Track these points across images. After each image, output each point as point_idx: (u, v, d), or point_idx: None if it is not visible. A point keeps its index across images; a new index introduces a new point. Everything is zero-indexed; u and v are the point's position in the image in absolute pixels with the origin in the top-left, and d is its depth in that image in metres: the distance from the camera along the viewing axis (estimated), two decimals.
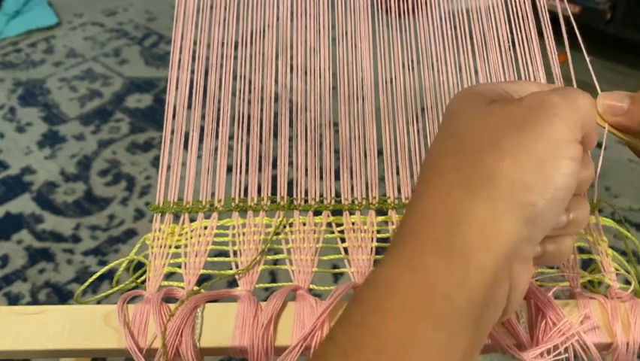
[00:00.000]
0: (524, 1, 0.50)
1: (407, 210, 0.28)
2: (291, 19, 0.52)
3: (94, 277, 0.43)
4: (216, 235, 0.44)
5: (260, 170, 0.47)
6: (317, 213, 0.45)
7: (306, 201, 0.46)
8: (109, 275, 0.43)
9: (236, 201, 0.46)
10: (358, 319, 0.24)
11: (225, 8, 0.52)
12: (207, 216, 0.45)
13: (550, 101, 0.28)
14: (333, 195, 0.46)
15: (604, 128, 0.38)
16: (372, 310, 0.23)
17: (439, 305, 0.24)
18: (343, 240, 0.44)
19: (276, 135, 0.48)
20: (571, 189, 0.28)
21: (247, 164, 0.47)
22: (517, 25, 0.50)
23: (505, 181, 0.26)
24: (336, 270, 0.45)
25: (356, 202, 0.45)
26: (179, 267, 0.42)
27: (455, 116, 0.30)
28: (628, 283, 0.40)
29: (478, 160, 0.27)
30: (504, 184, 0.26)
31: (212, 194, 0.46)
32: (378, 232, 0.44)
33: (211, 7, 0.52)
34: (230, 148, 0.47)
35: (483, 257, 0.25)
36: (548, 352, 0.36)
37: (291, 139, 0.48)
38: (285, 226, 0.44)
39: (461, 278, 0.24)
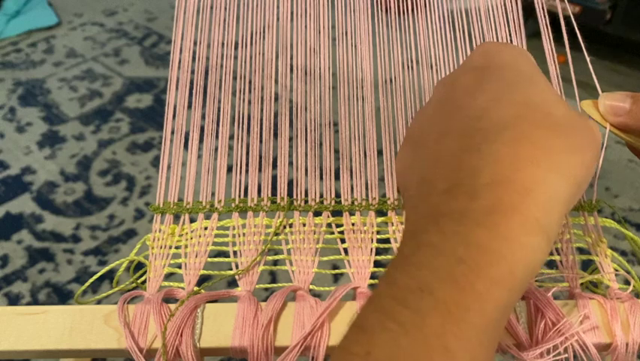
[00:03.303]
0: (516, 2, 0.50)
1: (492, 164, 0.27)
2: (291, 20, 0.52)
3: (94, 277, 0.43)
4: (216, 236, 0.44)
5: (260, 170, 0.47)
6: (317, 213, 0.45)
7: (306, 201, 0.46)
8: (109, 275, 0.43)
9: (237, 201, 0.46)
10: (464, 281, 0.24)
11: (225, 8, 0.52)
12: (207, 217, 0.45)
13: None
14: (333, 195, 0.46)
15: (605, 128, 0.38)
16: (478, 276, 0.24)
17: (527, 279, 0.25)
18: (343, 240, 0.44)
19: (276, 135, 0.48)
20: None
21: (247, 164, 0.47)
22: (514, 26, 0.50)
23: (582, 179, 0.28)
24: (336, 270, 0.45)
25: (356, 203, 0.46)
26: (180, 267, 0.42)
27: (536, 82, 0.31)
28: (628, 283, 0.40)
29: (570, 151, 0.28)
30: (580, 181, 0.28)
31: (213, 194, 0.46)
32: (378, 232, 0.44)
33: (211, 8, 0.52)
34: (231, 148, 0.47)
35: (555, 239, 0.27)
36: (548, 352, 0.36)
37: (291, 139, 0.48)
38: (285, 227, 0.44)
39: (544, 257, 0.26)
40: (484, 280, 0.24)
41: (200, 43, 0.51)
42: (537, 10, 0.50)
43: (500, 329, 0.25)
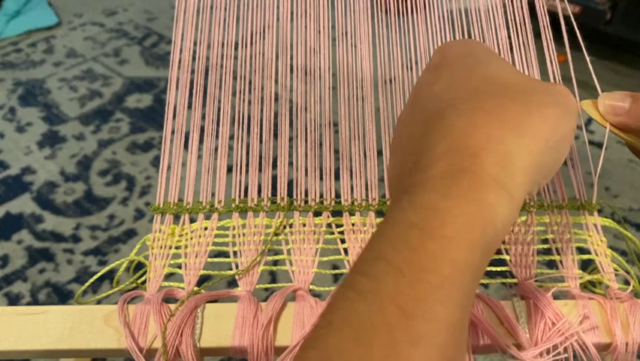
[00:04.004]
0: (521, 3, 0.50)
1: (446, 136, 0.27)
2: (291, 20, 0.52)
3: (94, 277, 0.43)
4: (216, 236, 0.44)
5: (260, 170, 0.47)
6: (317, 213, 0.45)
7: (306, 202, 0.46)
8: (109, 275, 0.43)
9: (237, 202, 0.46)
10: (416, 243, 0.24)
11: (225, 8, 0.52)
12: (207, 217, 0.45)
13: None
14: (332, 195, 0.46)
15: (605, 128, 0.38)
16: (431, 236, 0.24)
17: (489, 237, 0.25)
18: (343, 241, 0.44)
19: (276, 136, 0.48)
20: None
21: (247, 164, 0.47)
22: (515, 27, 0.50)
23: (547, 135, 0.28)
24: (336, 270, 0.45)
25: (356, 203, 0.46)
26: (180, 267, 0.42)
27: (491, 62, 0.32)
28: (628, 283, 0.40)
29: (526, 110, 0.28)
30: (545, 137, 0.27)
31: (213, 194, 0.46)
32: None
33: (211, 8, 0.52)
34: (231, 148, 0.47)
35: (522, 198, 0.27)
36: (548, 352, 0.36)
37: (291, 139, 0.48)
38: (285, 227, 0.44)
39: (508, 215, 0.26)
40: (438, 239, 0.24)
41: (200, 43, 0.51)
42: (537, 9, 0.50)
43: (467, 290, 0.24)
